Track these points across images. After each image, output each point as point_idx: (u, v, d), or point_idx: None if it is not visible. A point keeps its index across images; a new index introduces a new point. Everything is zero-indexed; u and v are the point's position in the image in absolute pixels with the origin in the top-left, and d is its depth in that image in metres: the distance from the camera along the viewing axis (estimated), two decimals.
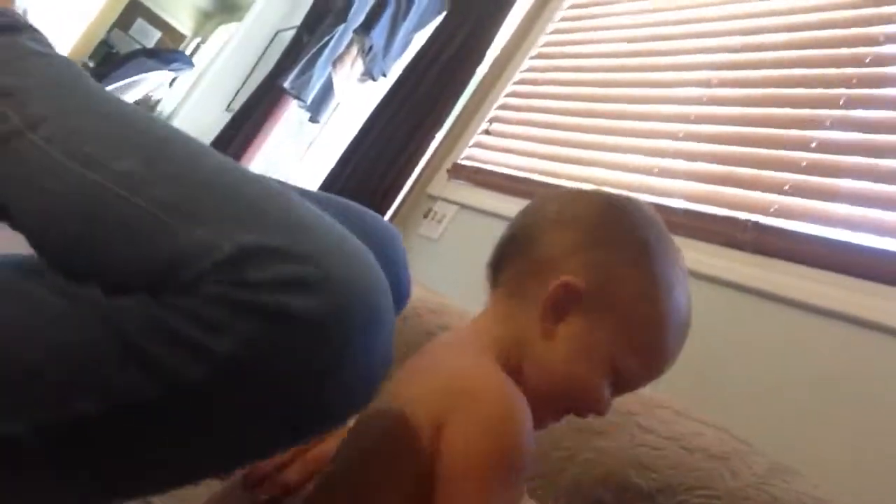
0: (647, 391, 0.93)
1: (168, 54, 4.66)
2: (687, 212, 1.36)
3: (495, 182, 1.83)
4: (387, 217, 2.03)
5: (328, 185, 2.18)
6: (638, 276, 0.59)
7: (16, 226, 0.49)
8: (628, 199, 0.64)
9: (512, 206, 1.70)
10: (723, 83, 1.47)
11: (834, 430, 0.98)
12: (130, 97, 4.15)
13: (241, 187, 0.46)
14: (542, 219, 0.63)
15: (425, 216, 1.96)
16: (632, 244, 0.60)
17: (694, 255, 1.28)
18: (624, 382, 0.61)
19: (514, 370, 0.58)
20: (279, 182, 0.52)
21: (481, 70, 2.14)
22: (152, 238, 0.43)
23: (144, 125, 0.50)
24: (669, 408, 0.89)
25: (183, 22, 6.81)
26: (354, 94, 2.81)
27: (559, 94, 1.87)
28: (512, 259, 0.63)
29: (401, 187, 2.04)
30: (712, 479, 0.74)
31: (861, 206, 1.13)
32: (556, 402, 0.58)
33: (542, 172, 1.74)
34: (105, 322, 0.41)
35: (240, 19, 4.97)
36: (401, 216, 2.04)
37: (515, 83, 2.05)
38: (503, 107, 2.03)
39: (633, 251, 0.60)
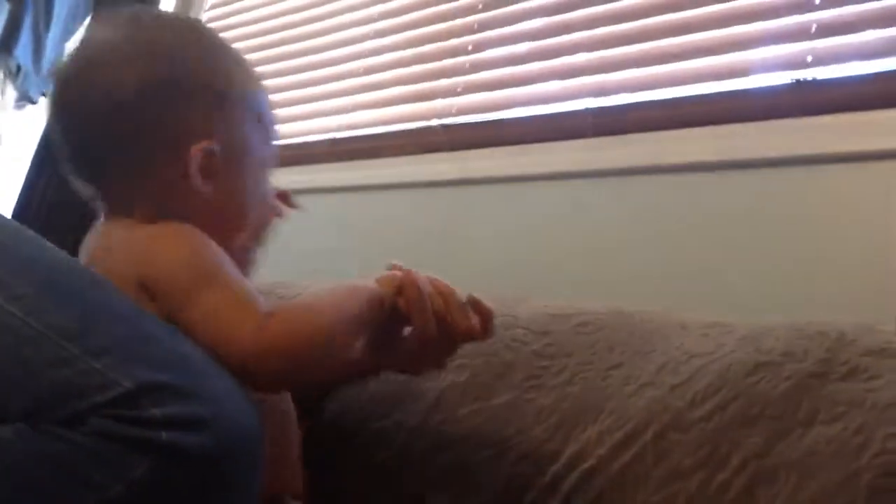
0: None
1: None
2: (388, 133, 1.49)
3: None
4: None
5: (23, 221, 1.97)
6: (240, 103, 0.67)
7: None
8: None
9: None
10: (384, 15, 1.61)
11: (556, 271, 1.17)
12: None
13: (137, 321, 0.47)
14: (129, 86, 0.61)
15: None
16: (213, 81, 0.65)
17: (407, 168, 1.41)
18: (272, 161, 0.72)
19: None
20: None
21: None
22: (44, 362, 0.42)
23: (37, 249, 0.50)
24: None
25: None
26: (14, 123, 2.53)
27: None
28: (118, 146, 0.63)
29: None
30: None
31: (515, 86, 1.34)
32: (238, 226, 0.66)
33: None
34: None
35: None
36: None
37: None
38: None
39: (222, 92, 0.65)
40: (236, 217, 0.66)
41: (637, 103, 1.19)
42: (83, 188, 0.67)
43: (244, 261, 0.68)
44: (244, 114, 0.66)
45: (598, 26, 1.26)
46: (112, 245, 0.62)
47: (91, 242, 0.66)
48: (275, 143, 0.72)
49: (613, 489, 0.62)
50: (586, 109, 1.24)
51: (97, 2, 2.16)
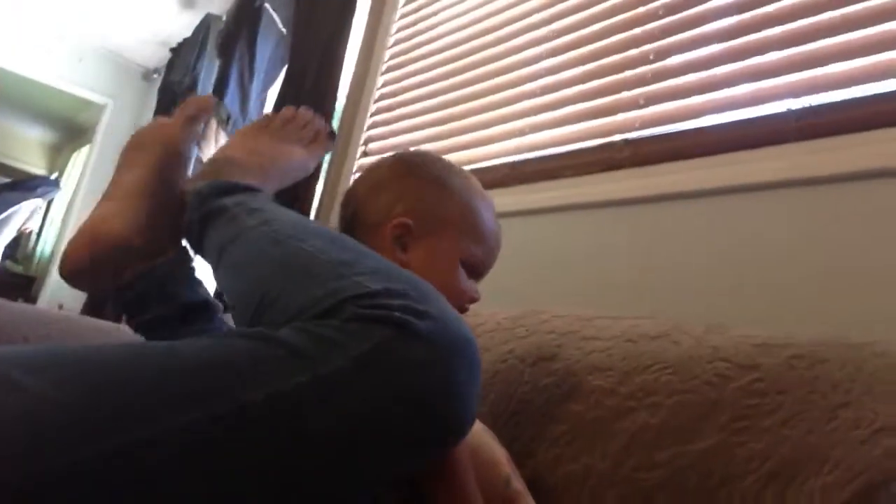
0: (579, 312, 0.98)
1: (30, 181, 4.50)
2: (568, 153, 1.44)
3: None
4: None
5: None
6: (441, 193, 0.82)
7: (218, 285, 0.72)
8: (414, 150, 0.89)
9: None
10: (559, 33, 1.57)
11: (761, 291, 1.05)
12: (6, 234, 3.99)
13: (390, 265, 0.62)
14: (360, 193, 0.86)
15: None
16: (426, 175, 0.84)
17: (590, 187, 1.36)
18: (476, 267, 0.83)
19: None
20: None
21: (340, 102, 2.19)
22: (327, 278, 0.58)
23: (319, 226, 0.72)
24: (604, 317, 0.94)
25: (34, 163, 6.58)
26: None
27: (421, 95, 1.94)
28: (355, 229, 0.84)
29: None
30: (660, 353, 0.79)
31: (704, 92, 1.24)
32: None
33: None
34: (261, 337, 0.52)
35: (90, 141, 4.86)
36: None
37: (376, 101, 2.10)
38: (373, 125, 2.08)
39: (430, 179, 0.84)
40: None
41: (850, 100, 1.06)
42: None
43: None
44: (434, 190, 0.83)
45: (797, 18, 1.13)
46: None
47: None
48: (485, 250, 0.83)
49: None
50: (789, 111, 1.11)
51: (291, 51, 2.31)
